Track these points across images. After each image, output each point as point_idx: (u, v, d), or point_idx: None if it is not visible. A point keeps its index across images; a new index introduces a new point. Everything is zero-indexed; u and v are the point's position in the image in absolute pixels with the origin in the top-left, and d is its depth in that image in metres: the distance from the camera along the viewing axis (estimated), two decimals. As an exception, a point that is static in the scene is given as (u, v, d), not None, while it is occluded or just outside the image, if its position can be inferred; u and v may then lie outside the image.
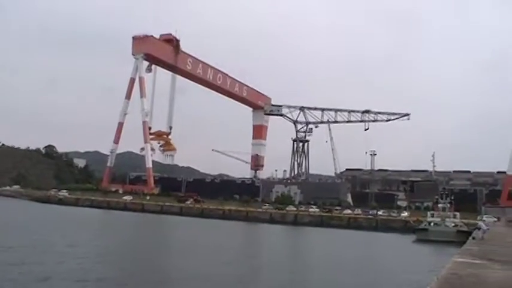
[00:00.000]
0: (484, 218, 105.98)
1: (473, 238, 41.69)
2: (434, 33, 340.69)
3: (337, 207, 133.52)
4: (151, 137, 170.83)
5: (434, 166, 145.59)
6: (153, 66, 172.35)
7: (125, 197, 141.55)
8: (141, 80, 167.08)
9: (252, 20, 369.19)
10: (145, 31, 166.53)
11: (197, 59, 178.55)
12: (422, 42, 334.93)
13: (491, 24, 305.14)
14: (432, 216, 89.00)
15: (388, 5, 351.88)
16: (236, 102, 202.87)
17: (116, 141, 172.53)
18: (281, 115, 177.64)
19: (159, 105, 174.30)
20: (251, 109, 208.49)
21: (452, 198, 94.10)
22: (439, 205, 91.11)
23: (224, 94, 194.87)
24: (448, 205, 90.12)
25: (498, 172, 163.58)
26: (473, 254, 24.94)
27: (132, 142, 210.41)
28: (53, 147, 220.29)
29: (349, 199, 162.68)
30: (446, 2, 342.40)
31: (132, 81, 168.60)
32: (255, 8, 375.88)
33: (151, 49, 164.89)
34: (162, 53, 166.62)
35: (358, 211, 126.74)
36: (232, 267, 40.67)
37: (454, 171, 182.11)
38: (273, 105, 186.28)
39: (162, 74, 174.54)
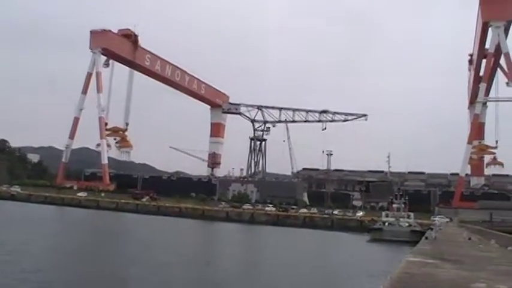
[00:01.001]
0: (437, 218, 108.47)
1: (426, 238, 42.56)
2: (394, 36, 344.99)
3: (294, 206, 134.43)
4: (107, 133, 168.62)
5: (389, 167, 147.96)
6: (111, 61, 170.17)
7: (79, 194, 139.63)
8: (98, 75, 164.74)
9: (211, 18, 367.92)
10: (104, 26, 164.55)
11: (156, 55, 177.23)
12: (381, 44, 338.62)
13: (451, 29, 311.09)
14: (387, 216, 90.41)
15: (347, 7, 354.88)
16: (194, 99, 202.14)
17: (71, 136, 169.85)
18: (239, 114, 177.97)
19: (115, 101, 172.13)
20: (209, 107, 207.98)
21: (407, 198, 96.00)
22: (394, 205, 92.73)
23: (182, 91, 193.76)
24: (403, 205, 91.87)
25: (451, 174, 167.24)
26: (426, 254, 25.52)
27: (87, 138, 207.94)
28: (6, 141, 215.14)
29: (306, 198, 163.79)
30: (406, 6, 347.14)
31: (88, 76, 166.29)
32: (214, 6, 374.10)
33: (109, 44, 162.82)
34: (120, 48, 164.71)
35: (314, 210, 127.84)
36: (181, 267, 40.38)
37: (409, 172, 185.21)
38: (231, 103, 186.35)
39: (120, 70, 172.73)
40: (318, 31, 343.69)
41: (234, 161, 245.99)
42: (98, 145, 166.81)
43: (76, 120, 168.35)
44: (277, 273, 39.93)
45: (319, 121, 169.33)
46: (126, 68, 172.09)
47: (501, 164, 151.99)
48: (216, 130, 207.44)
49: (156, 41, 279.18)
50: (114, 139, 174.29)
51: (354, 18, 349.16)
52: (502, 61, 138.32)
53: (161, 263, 39.62)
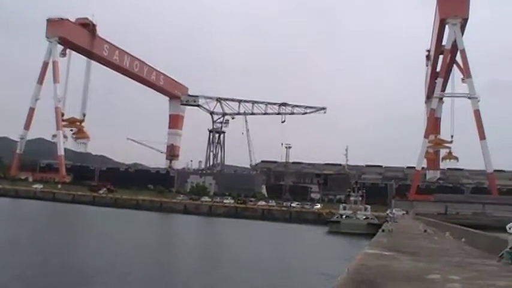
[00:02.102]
0: (393, 211, 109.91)
1: (383, 230, 43.02)
2: (354, 30, 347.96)
3: (252, 199, 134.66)
4: (63, 123, 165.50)
5: (347, 160, 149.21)
6: (68, 50, 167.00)
7: (35, 186, 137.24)
8: (54, 64, 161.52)
9: (170, 8, 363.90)
10: (61, 14, 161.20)
11: (114, 45, 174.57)
12: (342, 38, 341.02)
13: (411, 24, 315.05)
14: (344, 208, 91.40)
15: (306, 1, 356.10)
16: (153, 90, 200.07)
17: (27, 127, 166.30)
18: (198, 105, 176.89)
19: (73, 91, 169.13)
20: (168, 98, 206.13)
21: (364, 191, 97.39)
22: (351, 198, 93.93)
23: (141, 82, 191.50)
24: (360, 198, 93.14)
25: (408, 167, 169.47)
26: (382, 246, 25.75)
27: (43, 129, 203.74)
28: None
29: (264, 191, 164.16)
30: (367, 2, 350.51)
31: (45, 65, 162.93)
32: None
33: (66, 33, 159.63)
34: (77, 37, 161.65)
35: (272, 203, 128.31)
36: (133, 260, 39.91)
37: (366, 166, 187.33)
38: (189, 95, 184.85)
39: (78, 59, 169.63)
40: (280, 23, 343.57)
41: (193, 153, 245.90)
42: (54, 136, 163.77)
43: (31, 110, 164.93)
44: (234, 266, 39.81)
45: (279, 114, 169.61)
46: (84, 58, 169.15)
47: (456, 158, 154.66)
48: (175, 122, 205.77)
49: (114, 31, 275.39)
50: (71, 130, 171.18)
51: (315, 11, 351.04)
52: (458, 57, 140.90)
53: (115, 257, 39.09)
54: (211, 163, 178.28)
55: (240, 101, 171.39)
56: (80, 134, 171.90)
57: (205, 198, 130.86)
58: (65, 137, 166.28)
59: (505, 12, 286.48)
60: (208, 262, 42.99)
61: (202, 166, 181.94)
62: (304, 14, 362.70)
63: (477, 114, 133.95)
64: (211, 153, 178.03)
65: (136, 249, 46.50)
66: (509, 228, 18.92)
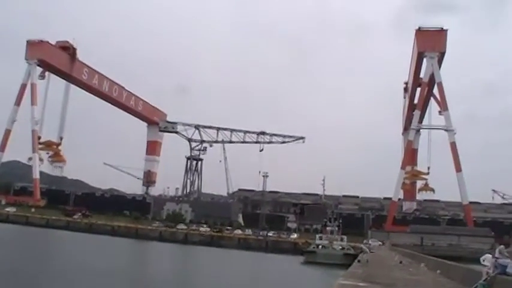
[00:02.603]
0: (370, 242, 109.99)
1: (359, 261, 42.81)
2: (331, 59, 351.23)
3: (228, 227, 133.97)
4: (40, 146, 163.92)
5: (324, 190, 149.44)
6: (47, 73, 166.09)
7: (7, 209, 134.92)
8: (33, 86, 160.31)
9: (149, 36, 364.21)
10: (40, 36, 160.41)
11: (93, 70, 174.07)
12: (319, 68, 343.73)
13: (388, 56, 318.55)
14: (320, 238, 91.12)
15: (287, 32, 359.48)
16: (131, 116, 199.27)
17: (2, 149, 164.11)
18: (176, 132, 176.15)
19: (50, 114, 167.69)
20: (146, 124, 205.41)
21: (341, 221, 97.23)
22: (328, 228, 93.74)
23: (119, 107, 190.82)
24: (336, 228, 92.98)
25: (385, 198, 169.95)
26: (357, 277, 25.53)
27: (19, 151, 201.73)
28: None
29: (241, 219, 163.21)
30: (346, 31, 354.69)
31: (23, 87, 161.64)
32: (152, 23, 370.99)
33: (46, 55, 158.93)
34: (57, 60, 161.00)
35: (248, 232, 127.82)
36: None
37: (343, 196, 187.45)
38: (168, 121, 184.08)
39: (56, 82, 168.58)
40: (258, 53, 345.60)
41: (170, 180, 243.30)
42: (30, 159, 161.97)
43: (8, 132, 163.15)
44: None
45: (257, 142, 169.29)
46: (63, 81, 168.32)
47: (432, 190, 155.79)
48: (152, 148, 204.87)
49: (94, 55, 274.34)
50: (47, 153, 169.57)
51: (293, 41, 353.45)
52: (436, 90, 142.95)
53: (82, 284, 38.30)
54: (188, 190, 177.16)
55: (218, 129, 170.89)
56: (56, 157, 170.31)
57: (181, 226, 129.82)
58: (41, 160, 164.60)
59: (479, 47, 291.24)
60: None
61: (179, 193, 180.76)
62: (282, 45, 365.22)
63: (453, 146, 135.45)
64: (188, 181, 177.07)
65: (106, 277, 45.51)
66: (483, 260, 18.88)
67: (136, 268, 59.68)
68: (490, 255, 18.84)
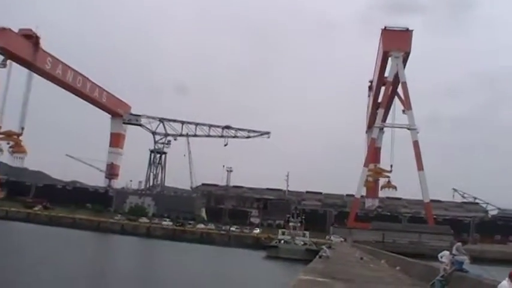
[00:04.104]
0: (332, 238, 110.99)
1: (320, 257, 43.05)
2: (298, 56, 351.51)
3: (191, 222, 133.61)
4: (0, 136, 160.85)
5: (288, 186, 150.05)
6: (8, 61, 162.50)
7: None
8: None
9: (115, 29, 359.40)
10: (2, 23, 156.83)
11: (57, 59, 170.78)
12: (285, 63, 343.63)
13: (354, 54, 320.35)
14: (283, 234, 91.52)
15: (252, 25, 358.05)
16: (95, 107, 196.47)
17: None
18: (140, 125, 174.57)
19: (12, 104, 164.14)
20: (110, 116, 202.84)
21: (303, 217, 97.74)
22: (290, 224, 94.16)
23: (83, 98, 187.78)
24: (299, 224, 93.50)
25: (347, 195, 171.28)
26: (318, 272, 25.65)
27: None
28: None
29: (204, 214, 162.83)
30: (312, 28, 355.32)
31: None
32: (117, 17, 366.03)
33: (7, 43, 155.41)
34: (19, 48, 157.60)
35: (211, 226, 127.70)
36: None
37: (307, 192, 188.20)
38: (132, 114, 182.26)
39: (18, 71, 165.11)
40: (223, 46, 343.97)
41: (133, 173, 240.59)
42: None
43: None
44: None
45: (222, 136, 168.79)
46: (25, 70, 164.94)
47: (394, 187, 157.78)
48: (116, 140, 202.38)
49: (59, 45, 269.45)
50: (8, 143, 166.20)
51: (258, 37, 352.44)
52: (400, 89, 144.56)
53: (43, 279, 37.65)
54: (151, 184, 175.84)
55: (183, 122, 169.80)
56: (17, 148, 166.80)
57: (144, 219, 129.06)
58: (1, 150, 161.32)
59: (443, 48, 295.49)
60: (140, 286, 41.90)
61: (142, 186, 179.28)
62: (247, 39, 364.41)
63: (416, 145, 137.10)
64: (152, 174, 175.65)
65: (64, 269, 44.87)
66: (441, 257, 19.15)
67: (95, 262, 58.82)
68: (447, 252, 19.12)
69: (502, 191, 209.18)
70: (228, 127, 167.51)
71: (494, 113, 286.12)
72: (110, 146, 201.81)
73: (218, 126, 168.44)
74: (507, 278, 10.34)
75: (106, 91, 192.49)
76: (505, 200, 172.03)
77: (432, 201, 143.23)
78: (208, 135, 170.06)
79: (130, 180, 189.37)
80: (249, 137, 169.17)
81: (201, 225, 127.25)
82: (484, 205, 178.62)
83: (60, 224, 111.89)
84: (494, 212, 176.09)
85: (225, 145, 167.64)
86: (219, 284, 46.68)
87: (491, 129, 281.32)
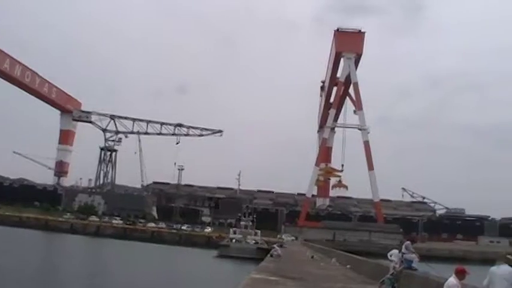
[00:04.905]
0: (283, 237, 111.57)
1: (271, 255, 43.15)
2: (252, 56, 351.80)
3: (142, 220, 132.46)
4: None
5: (239, 184, 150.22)
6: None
7: None
8: None
9: (72, 27, 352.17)
10: None
11: (5, 53, 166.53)
12: (239, 63, 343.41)
13: (307, 55, 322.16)
14: (234, 233, 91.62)
15: (213, 27, 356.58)
16: (44, 103, 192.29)
17: None
18: (90, 122, 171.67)
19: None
20: (59, 112, 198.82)
21: (255, 216, 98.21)
22: (242, 222, 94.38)
23: (32, 93, 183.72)
24: (250, 223, 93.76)
25: (298, 194, 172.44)
26: (269, 271, 25.67)
27: None
28: None
29: (155, 212, 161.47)
30: (267, 26, 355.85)
31: None
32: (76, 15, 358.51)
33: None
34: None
35: (162, 225, 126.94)
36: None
37: (258, 191, 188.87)
38: (82, 111, 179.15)
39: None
40: (179, 46, 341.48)
41: (83, 171, 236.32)
42: None
43: None
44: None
45: (174, 134, 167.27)
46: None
47: (345, 187, 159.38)
48: (65, 137, 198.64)
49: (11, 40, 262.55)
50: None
51: (211, 33, 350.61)
52: (352, 90, 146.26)
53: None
54: (101, 182, 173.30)
55: (134, 120, 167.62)
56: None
57: (93, 218, 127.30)
58: None
59: (395, 50, 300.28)
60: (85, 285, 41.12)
61: (92, 185, 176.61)
62: (205, 36, 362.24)
63: (367, 145, 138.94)
64: (102, 172, 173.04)
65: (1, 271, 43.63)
66: (390, 256, 19.40)
67: (41, 262, 57.43)
68: (396, 251, 19.38)
69: (449, 191, 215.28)
70: (180, 125, 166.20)
71: (442, 113, 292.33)
72: (59, 143, 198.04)
73: (170, 124, 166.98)
74: (453, 275, 10.53)
75: (56, 87, 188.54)
76: (453, 199, 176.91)
77: (382, 200, 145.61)
78: (160, 133, 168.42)
79: (80, 178, 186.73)
80: (201, 135, 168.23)
81: (152, 224, 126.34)
82: (432, 204, 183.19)
83: (6, 222, 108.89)
84: (442, 211, 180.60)
85: (177, 143, 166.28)
86: (169, 283, 46.27)
87: (439, 130, 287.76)
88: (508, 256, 9.64)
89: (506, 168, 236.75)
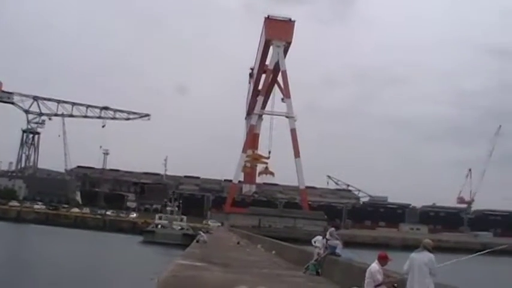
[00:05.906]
0: (209, 223, 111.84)
1: (197, 241, 43.16)
2: (179, 37, 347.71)
3: (65, 205, 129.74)
4: None
5: (166, 170, 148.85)
6: None
7: None
8: None
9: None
10: None
11: None
12: (166, 44, 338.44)
13: (235, 41, 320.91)
14: (160, 218, 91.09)
15: (135, 5, 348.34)
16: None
17: None
18: (12, 103, 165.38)
19: None
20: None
21: (181, 202, 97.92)
22: (168, 208, 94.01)
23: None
24: (176, 209, 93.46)
25: (225, 180, 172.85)
26: (195, 257, 25.66)
27: None
28: None
29: (78, 197, 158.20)
30: (195, 12, 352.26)
31: None
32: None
33: None
34: None
35: (86, 210, 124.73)
36: None
37: (185, 176, 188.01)
38: (3, 91, 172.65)
39: None
40: (102, 27, 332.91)
41: (3, 154, 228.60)
42: None
43: None
44: (34, 276, 37.40)
45: (100, 117, 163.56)
46: None
47: (272, 174, 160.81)
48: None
49: None
50: None
51: (139, 16, 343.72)
52: (280, 78, 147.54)
53: None
54: (22, 165, 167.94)
55: (58, 102, 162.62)
56: None
57: (14, 203, 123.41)
58: None
59: (323, 40, 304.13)
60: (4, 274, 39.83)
61: (13, 168, 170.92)
62: (132, 20, 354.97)
63: (293, 133, 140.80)
64: (24, 155, 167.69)
65: None
66: (315, 242, 19.77)
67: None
68: (320, 237, 19.75)
69: (373, 179, 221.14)
70: (106, 108, 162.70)
71: (367, 104, 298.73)
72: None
73: (96, 107, 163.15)
74: (376, 260, 10.85)
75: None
76: (376, 187, 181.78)
77: (307, 187, 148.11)
78: (86, 116, 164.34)
79: (0, 161, 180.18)
80: (128, 118, 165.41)
81: (76, 209, 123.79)
82: (356, 192, 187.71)
83: None
84: (366, 199, 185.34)
85: (103, 126, 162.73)
86: (92, 270, 45.42)
87: (364, 120, 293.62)
88: (427, 241, 9.99)
89: (427, 159, 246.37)
